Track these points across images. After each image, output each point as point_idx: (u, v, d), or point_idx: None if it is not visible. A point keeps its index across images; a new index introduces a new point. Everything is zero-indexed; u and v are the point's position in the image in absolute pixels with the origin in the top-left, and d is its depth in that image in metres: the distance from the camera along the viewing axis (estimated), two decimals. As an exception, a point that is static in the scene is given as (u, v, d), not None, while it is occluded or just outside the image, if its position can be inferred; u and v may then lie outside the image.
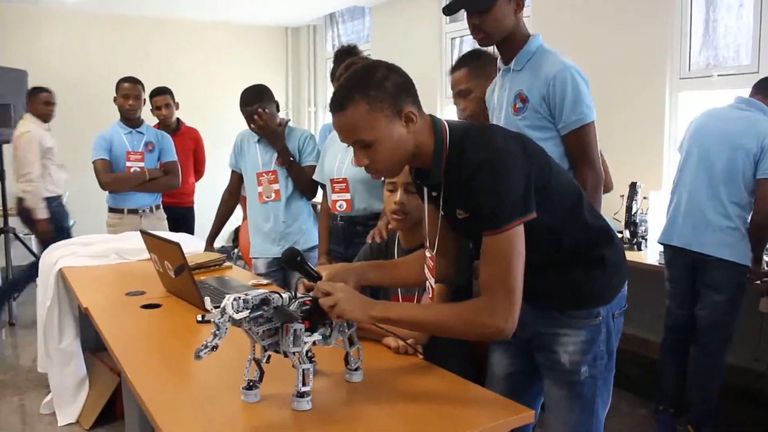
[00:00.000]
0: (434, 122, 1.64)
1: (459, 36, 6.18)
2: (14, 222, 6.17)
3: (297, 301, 1.58)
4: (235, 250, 6.87)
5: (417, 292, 2.21)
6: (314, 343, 1.59)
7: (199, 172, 5.29)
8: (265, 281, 2.93)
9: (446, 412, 1.54)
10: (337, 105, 1.58)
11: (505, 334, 1.55)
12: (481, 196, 1.53)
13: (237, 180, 3.64)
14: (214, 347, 1.41)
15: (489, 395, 1.67)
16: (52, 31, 7.31)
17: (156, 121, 5.00)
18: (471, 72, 2.56)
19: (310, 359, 1.62)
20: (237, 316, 1.44)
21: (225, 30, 8.18)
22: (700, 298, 3.17)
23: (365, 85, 1.55)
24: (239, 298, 1.46)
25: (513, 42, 2.20)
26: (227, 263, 3.31)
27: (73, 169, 5.63)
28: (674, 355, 3.33)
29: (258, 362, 1.60)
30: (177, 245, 2.43)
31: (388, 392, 1.66)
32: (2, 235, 5.64)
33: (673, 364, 3.33)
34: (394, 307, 1.68)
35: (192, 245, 3.67)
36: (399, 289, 2.26)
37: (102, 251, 3.47)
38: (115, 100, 4.34)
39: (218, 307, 1.46)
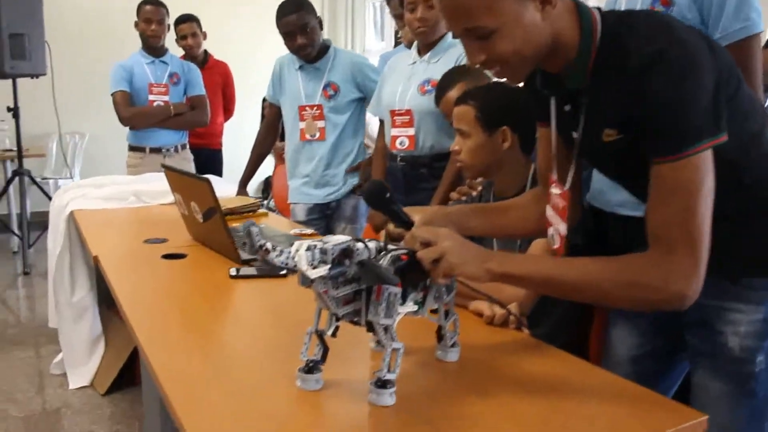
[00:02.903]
0: (578, 6, 1.16)
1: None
2: (30, 163, 5.82)
3: (389, 255, 1.13)
4: (265, 202, 6.46)
5: (519, 248, 1.74)
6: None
7: (228, 111, 4.83)
8: (308, 230, 2.48)
9: (577, 411, 1.09)
10: None
11: (686, 303, 1.11)
12: (657, 102, 1.05)
13: (275, 114, 3.18)
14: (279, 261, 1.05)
15: (637, 390, 1.20)
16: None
17: (180, 53, 4.53)
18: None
19: None
20: (313, 273, 1.01)
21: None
22: None
23: None
24: (315, 246, 1.02)
25: None
26: (262, 209, 2.87)
27: (95, 107, 5.16)
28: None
29: (321, 336, 1.15)
30: (206, 182, 1.99)
31: (493, 380, 1.21)
32: (17, 178, 5.26)
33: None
34: (518, 259, 1.22)
35: (221, 189, 3.24)
36: (495, 243, 1.80)
37: (118, 193, 3.05)
38: (136, 25, 3.89)
39: (277, 254, 1.03)
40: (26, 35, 4.93)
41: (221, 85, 4.68)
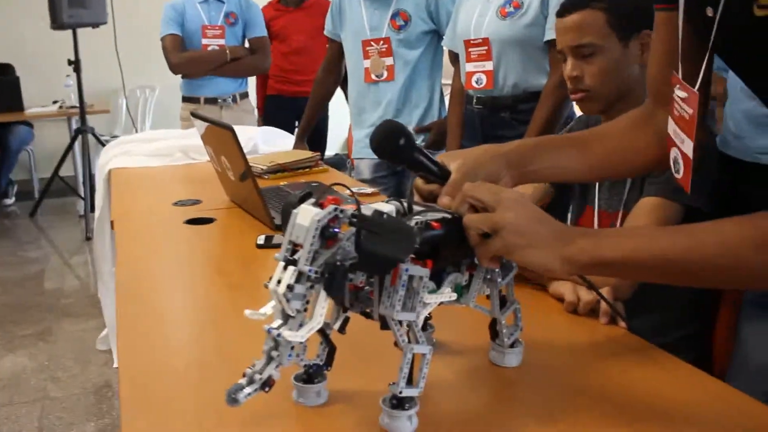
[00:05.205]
0: None
1: None
2: (97, 121, 5.85)
3: (413, 221, 0.86)
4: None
5: (622, 208, 1.44)
6: (440, 302, 0.89)
7: None
8: (369, 190, 2.24)
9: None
10: None
11: None
12: None
13: (336, 52, 2.94)
14: (266, 384, 0.77)
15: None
16: None
17: None
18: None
19: (425, 326, 1.01)
20: (296, 337, 0.77)
21: None
22: None
23: None
24: (283, 297, 0.77)
25: None
26: (322, 165, 2.64)
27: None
28: None
29: (325, 332, 0.90)
30: (229, 130, 1.76)
31: (570, 396, 0.94)
32: (80, 136, 5.28)
33: None
34: (614, 238, 0.90)
35: (281, 141, 3.09)
36: (596, 203, 1.49)
37: (164, 149, 2.91)
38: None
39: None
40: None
41: (322, 27, 4.44)
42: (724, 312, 1.45)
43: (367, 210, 0.82)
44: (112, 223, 1.92)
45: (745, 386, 0.98)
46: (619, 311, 1.16)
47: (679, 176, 1.03)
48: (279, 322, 0.78)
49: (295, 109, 4.08)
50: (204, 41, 3.67)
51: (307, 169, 2.58)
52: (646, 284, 1.34)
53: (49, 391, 2.75)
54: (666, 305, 1.43)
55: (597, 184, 1.53)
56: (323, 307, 0.78)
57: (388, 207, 0.87)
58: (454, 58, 2.49)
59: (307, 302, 0.78)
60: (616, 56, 1.48)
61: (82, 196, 5.35)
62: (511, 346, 1.00)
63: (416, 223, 0.86)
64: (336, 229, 0.78)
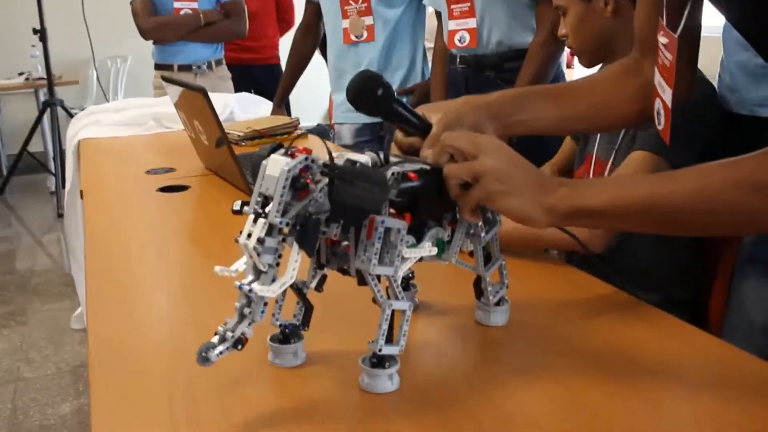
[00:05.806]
0: None
1: None
2: (66, 93, 5.79)
3: (389, 172, 0.84)
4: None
5: (612, 158, 1.44)
6: (421, 259, 0.88)
7: (285, 22, 4.54)
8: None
9: (677, 404, 0.81)
10: None
11: None
12: None
13: (314, 13, 2.91)
14: (239, 342, 0.75)
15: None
16: None
17: None
18: None
19: (407, 286, 1.00)
20: (269, 292, 0.75)
21: None
22: None
23: None
24: (253, 250, 0.76)
25: None
26: (300, 130, 2.62)
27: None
28: None
29: (301, 290, 0.89)
30: (201, 92, 1.74)
31: (558, 354, 0.93)
32: (48, 109, 5.22)
33: None
34: (595, 185, 0.89)
35: (258, 107, 3.08)
36: (595, 150, 1.51)
37: (136, 117, 2.87)
38: None
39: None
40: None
41: None
42: (721, 277, 1.45)
43: (339, 160, 0.81)
44: (81, 193, 1.90)
45: (739, 343, 0.98)
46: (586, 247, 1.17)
47: (660, 128, 1.03)
48: (251, 277, 0.76)
49: (250, 77, 4.06)
50: (176, 5, 3.61)
51: (286, 135, 2.56)
52: (640, 249, 1.35)
53: (23, 372, 2.74)
54: (657, 274, 1.44)
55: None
56: (296, 261, 0.77)
57: (364, 158, 0.86)
58: (439, 16, 2.46)
59: (280, 257, 0.77)
60: (579, 13, 1.58)
61: (53, 171, 5.30)
62: (497, 304, 0.99)
63: (393, 174, 0.85)
64: (308, 180, 0.77)
